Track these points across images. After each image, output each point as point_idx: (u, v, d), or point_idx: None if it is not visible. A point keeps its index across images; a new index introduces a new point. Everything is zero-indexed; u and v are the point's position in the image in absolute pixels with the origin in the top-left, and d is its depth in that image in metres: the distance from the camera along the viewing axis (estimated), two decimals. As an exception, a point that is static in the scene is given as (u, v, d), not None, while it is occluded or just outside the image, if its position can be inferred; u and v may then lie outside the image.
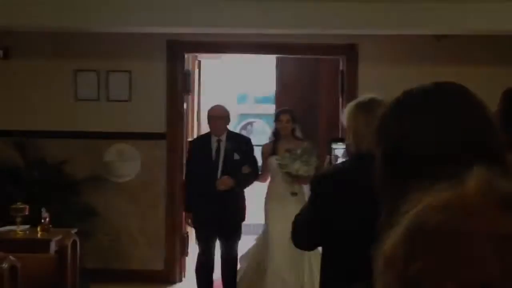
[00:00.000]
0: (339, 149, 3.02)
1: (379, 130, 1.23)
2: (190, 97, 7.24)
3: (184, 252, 7.00)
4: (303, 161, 5.56)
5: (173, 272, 6.89)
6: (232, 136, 5.96)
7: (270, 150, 5.92)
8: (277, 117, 5.96)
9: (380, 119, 1.24)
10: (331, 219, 2.59)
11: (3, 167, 6.71)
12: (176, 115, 6.90)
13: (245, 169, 5.77)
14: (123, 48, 6.83)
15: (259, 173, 5.98)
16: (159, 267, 6.87)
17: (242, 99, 14.77)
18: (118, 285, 6.53)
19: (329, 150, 3.06)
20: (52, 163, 6.73)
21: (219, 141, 5.81)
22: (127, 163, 6.90)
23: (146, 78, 6.88)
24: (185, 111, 7.01)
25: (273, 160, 5.79)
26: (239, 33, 6.55)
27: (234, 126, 14.04)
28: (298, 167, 5.54)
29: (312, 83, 8.27)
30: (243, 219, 5.88)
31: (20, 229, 5.31)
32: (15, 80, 6.93)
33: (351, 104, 2.80)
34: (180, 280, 6.93)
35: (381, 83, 6.61)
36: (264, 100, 12.05)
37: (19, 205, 5.32)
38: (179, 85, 6.89)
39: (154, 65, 6.86)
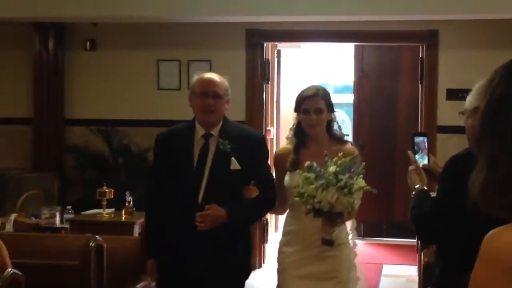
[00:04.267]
0: (421, 144, 2.84)
1: (486, 90, 1.25)
2: (269, 86, 7.30)
3: (264, 240, 7.10)
4: (342, 187, 3.08)
5: (253, 259, 6.98)
6: (230, 129, 3.41)
7: (289, 160, 3.45)
8: (301, 103, 3.44)
9: (489, 81, 1.25)
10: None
11: (90, 153, 7.00)
12: (256, 104, 6.99)
13: (249, 191, 3.35)
14: (204, 38, 6.97)
15: (275, 199, 3.45)
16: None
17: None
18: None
19: (412, 145, 2.88)
20: (135, 150, 6.97)
21: (207, 136, 3.37)
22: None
23: (226, 67, 6.99)
24: (264, 100, 7.09)
25: (293, 179, 3.34)
26: (318, 21, 6.56)
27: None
28: (332, 197, 3.06)
29: (392, 72, 8.19)
30: (245, 276, 3.53)
31: (105, 212, 5.55)
32: (101, 70, 7.20)
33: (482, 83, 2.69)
34: (260, 267, 7.03)
35: (462, 70, 6.49)
36: (344, 89, 11.99)
37: (105, 189, 5.55)
38: (259, 74, 6.97)
39: (234, 54, 6.96)
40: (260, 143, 3.50)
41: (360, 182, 3.12)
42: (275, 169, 3.58)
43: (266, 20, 6.46)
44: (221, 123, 3.40)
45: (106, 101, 7.16)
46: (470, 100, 2.56)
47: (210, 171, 3.32)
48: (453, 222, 2.47)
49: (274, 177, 3.53)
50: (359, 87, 8.41)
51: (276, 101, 7.91)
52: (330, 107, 3.47)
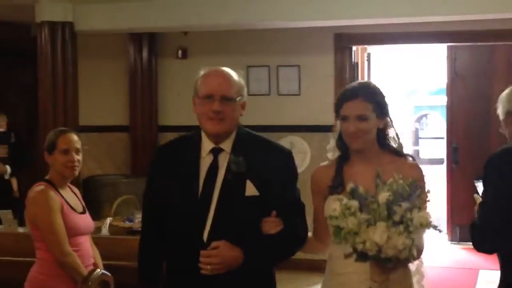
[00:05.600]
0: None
1: None
2: (358, 89, 7.25)
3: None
4: (396, 223, 2.23)
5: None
6: (247, 142, 2.64)
7: (330, 182, 2.63)
8: (339, 107, 2.62)
9: None
10: None
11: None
12: (345, 108, 6.95)
13: (270, 224, 2.55)
14: (292, 43, 7.02)
15: (306, 234, 2.68)
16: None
17: (413, 90, 14.50)
18: (286, 270, 6.64)
19: (475, 190, 2.91)
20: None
21: (215, 152, 2.60)
22: (297, 156, 7.06)
23: (314, 72, 7.02)
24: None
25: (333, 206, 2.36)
26: (408, 23, 6.46)
27: (406, 119, 13.82)
28: (380, 238, 2.22)
29: (486, 72, 7.97)
30: None
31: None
32: (192, 78, 7.33)
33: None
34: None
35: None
36: (437, 91, 11.75)
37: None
38: (348, 78, 6.95)
39: (322, 58, 6.97)
40: (286, 161, 2.62)
41: (423, 216, 2.21)
42: (312, 194, 2.71)
43: (354, 23, 6.43)
44: (234, 134, 2.59)
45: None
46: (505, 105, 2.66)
47: (220, 198, 2.52)
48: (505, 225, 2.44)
49: (312, 206, 2.70)
50: (453, 89, 8.24)
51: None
52: (381, 111, 2.59)
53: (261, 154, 2.58)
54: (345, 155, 2.66)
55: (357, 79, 7.06)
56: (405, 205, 2.23)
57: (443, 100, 9.08)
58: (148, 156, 7.26)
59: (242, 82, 2.64)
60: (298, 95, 7.09)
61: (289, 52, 7.05)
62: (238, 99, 2.57)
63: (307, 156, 7.07)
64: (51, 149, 3.44)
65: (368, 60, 7.85)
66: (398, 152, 2.67)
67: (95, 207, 5.03)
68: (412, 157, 2.70)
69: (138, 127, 7.38)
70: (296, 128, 7.10)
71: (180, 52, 7.34)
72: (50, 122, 6.32)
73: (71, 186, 3.57)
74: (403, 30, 6.70)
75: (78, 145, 3.48)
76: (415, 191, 2.27)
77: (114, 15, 6.56)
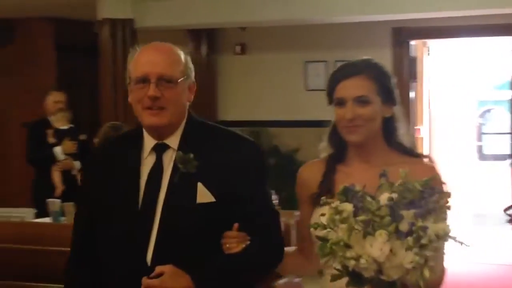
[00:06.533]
0: None
1: None
2: (417, 84, 7.17)
3: None
4: (404, 233, 1.59)
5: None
6: (199, 136, 2.06)
7: (321, 184, 2.03)
8: (333, 88, 2.03)
9: None
10: None
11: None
12: (403, 103, 6.87)
13: (231, 242, 1.96)
14: (350, 38, 6.99)
15: (282, 249, 2.06)
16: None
17: (477, 85, 14.20)
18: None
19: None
20: (285, 151, 7.11)
21: (159, 149, 2.04)
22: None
23: (373, 66, 6.97)
24: (412, 99, 6.97)
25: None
26: (469, 16, 6.33)
27: (470, 114, 13.54)
28: (380, 251, 1.57)
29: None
30: None
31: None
32: (250, 73, 7.42)
33: None
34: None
35: None
36: (502, 86, 11.48)
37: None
38: (405, 73, 6.86)
39: (379, 53, 6.88)
40: (252, 157, 2.01)
41: (441, 226, 1.60)
42: (298, 200, 2.10)
43: (412, 17, 6.35)
44: (182, 126, 2.02)
45: (255, 103, 7.36)
46: None
47: (164, 208, 1.94)
48: None
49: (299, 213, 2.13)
50: (517, 83, 8.04)
51: (428, 100, 7.75)
52: (389, 95, 1.99)
53: (218, 149, 1.98)
54: (339, 152, 2.02)
55: (416, 74, 6.97)
56: (415, 210, 1.59)
57: (507, 94, 8.87)
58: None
59: (186, 59, 2.04)
60: (356, 90, 7.06)
61: (347, 46, 7.01)
62: (182, 80, 1.99)
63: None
64: None
65: (428, 54, 7.74)
66: (410, 151, 2.01)
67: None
68: (429, 157, 2.04)
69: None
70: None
71: (238, 47, 7.39)
72: (111, 119, 6.45)
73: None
74: (466, 23, 6.57)
75: None
76: (432, 194, 1.62)
77: (173, 11, 6.66)
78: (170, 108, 1.97)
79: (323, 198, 1.73)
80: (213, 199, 1.94)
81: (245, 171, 1.98)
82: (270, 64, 7.32)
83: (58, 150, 5.82)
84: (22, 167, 6.58)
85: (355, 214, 1.60)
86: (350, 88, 1.97)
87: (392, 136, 2.02)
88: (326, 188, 1.96)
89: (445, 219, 1.64)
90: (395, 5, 6.00)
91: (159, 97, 1.95)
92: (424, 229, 1.57)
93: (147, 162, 2.01)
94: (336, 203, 1.64)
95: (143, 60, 1.99)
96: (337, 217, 1.61)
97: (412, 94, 6.97)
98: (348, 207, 1.61)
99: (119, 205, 1.98)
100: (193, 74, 2.07)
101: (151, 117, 1.96)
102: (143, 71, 1.96)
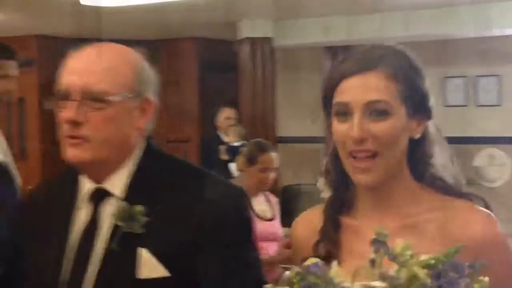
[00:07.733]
0: None
1: None
2: None
3: None
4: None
5: None
6: (155, 179, 1.42)
7: (315, 247, 1.28)
8: (330, 92, 1.27)
9: None
10: None
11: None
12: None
13: None
14: (492, 52, 6.78)
15: None
16: None
17: None
18: None
19: None
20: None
21: (97, 197, 1.41)
22: (496, 169, 6.80)
23: (517, 81, 6.72)
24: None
25: None
26: None
27: None
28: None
29: None
30: None
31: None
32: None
33: None
34: None
35: None
36: None
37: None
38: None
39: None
40: (227, 211, 1.41)
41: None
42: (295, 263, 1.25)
43: None
44: (130, 163, 1.44)
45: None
46: None
47: (96, 286, 1.38)
48: None
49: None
50: None
51: None
52: (419, 104, 1.26)
53: (180, 198, 1.39)
54: (342, 195, 1.32)
55: None
56: (455, 278, 0.99)
57: None
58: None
59: (146, 67, 1.45)
60: (498, 105, 6.83)
61: (489, 61, 6.82)
62: (123, 98, 1.39)
63: (507, 169, 6.76)
64: (251, 162, 3.65)
65: None
66: (451, 190, 1.29)
67: (292, 215, 5.19)
68: (482, 199, 1.32)
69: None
70: (496, 140, 6.83)
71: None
72: (253, 136, 6.64)
73: (267, 193, 3.77)
74: None
75: (276, 164, 3.66)
76: (462, 273, 1.00)
77: (311, 29, 6.77)
78: (97, 138, 1.37)
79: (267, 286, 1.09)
80: (165, 274, 1.34)
81: (217, 232, 1.36)
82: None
83: (232, 166, 5.84)
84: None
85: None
86: (359, 89, 1.22)
87: (425, 166, 1.29)
88: (326, 253, 1.25)
89: None
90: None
91: (81, 123, 1.36)
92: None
93: (81, 216, 1.42)
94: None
95: (69, 66, 1.41)
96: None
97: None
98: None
99: (37, 276, 1.41)
100: (152, 88, 1.46)
101: (70, 149, 1.38)
102: (65, 83, 1.39)
